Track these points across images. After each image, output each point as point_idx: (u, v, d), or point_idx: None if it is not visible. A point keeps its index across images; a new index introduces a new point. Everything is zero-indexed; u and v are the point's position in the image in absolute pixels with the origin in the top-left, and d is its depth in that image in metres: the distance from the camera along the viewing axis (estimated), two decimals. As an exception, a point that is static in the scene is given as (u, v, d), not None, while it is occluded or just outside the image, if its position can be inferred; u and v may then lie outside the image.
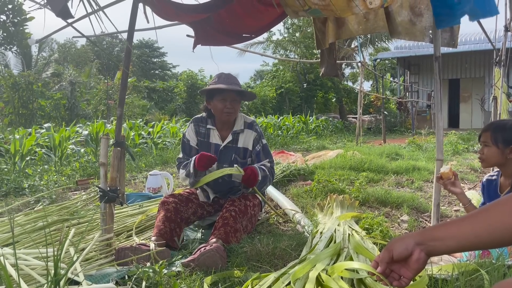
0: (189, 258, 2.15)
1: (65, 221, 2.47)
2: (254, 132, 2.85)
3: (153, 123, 11.22)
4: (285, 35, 20.60)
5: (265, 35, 19.23)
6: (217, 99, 2.74)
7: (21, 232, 2.23)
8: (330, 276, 1.71)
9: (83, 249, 2.02)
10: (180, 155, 2.91)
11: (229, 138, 2.82)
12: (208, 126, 2.86)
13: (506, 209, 0.92)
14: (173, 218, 2.57)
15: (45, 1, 2.33)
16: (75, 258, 1.69)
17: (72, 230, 2.12)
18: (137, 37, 40.09)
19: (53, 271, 1.35)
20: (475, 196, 3.55)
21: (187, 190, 2.89)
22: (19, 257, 1.69)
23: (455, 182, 2.20)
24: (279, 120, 14.62)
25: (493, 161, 2.09)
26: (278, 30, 20.53)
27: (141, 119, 13.07)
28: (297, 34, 20.22)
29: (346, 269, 1.69)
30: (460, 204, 3.69)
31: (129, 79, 16.68)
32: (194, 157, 2.66)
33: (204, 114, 2.93)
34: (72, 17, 2.31)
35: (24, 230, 2.24)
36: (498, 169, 2.23)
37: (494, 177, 2.25)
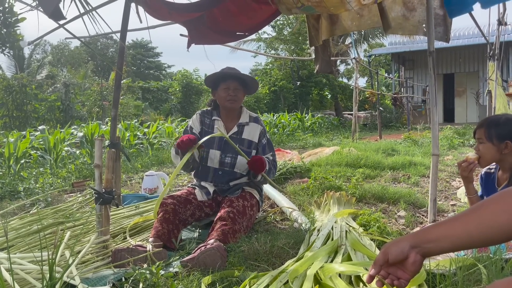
0: (189, 256, 2.14)
1: (60, 224, 2.45)
2: (260, 126, 2.97)
3: (148, 123, 11.19)
4: (273, 34, 20.58)
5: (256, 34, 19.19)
6: (222, 87, 2.86)
7: (16, 236, 2.21)
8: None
9: (79, 252, 2.01)
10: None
11: (234, 129, 2.91)
12: (214, 118, 2.95)
13: (497, 207, 0.92)
14: (171, 219, 2.56)
15: (37, 2, 2.31)
16: (70, 261, 1.67)
17: (68, 233, 2.11)
18: (131, 37, 39.94)
19: (48, 275, 1.34)
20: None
21: (185, 191, 2.88)
22: (14, 261, 1.67)
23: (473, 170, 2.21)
24: (274, 118, 14.61)
25: (489, 157, 2.08)
26: (265, 32, 20.57)
27: (136, 120, 13.02)
28: (285, 32, 20.21)
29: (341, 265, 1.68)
30: (459, 197, 3.71)
31: (123, 80, 16.54)
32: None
33: (209, 108, 3.04)
34: (64, 18, 2.29)
35: (19, 234, 2.22)
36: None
37: (492, 170, 2.26)
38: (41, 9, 2.24)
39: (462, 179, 2.29)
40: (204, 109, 3.06)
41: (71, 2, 2.27)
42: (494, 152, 2.05)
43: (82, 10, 2.31)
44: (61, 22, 2.36)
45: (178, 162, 2.67)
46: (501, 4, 5.80)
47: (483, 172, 2.32)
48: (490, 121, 2.10)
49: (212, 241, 2.30)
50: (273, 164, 2.93)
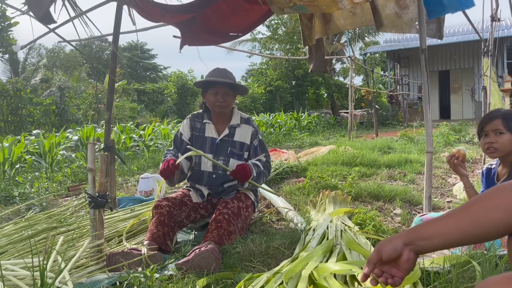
0: (184, 259, 2.13)
1: (54, 229, 2.44)
2: (252, 127, 2.89)
3: (144, 125, 11.16)
4: (267, 34, 20.61)
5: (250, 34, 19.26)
6: (210, 92, 2.79)
7: (8, 242, 2.19)
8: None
9: (72, 257, 1.99)
10: (171, 148, 2.96)
11: (226, 132, 2.84)
12: (204, 121, 2.89)
13: (490, 203, 0.91)
14: (167, 222, 2.55)
15: (27, 7, 2.30)
16: (63, 266, 1.66)
17: (61, 237, 2.09)
18: (127, 39, 39.81)
19: (39, 281, 1.33)
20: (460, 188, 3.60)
21: (180, 193, 2.87)
22: (6, 267, 1.66)
23: (462, 164, 2.21)
24: (271, 117, 14.60)
25: (508, 148, 2.03)
26: (259, 31, 20.70)
27: (132, 122, 12.98)
28: (280, 31, 20.25)
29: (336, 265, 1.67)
30: (455, 194, 3.72)
31: (119, 82, 16.39)
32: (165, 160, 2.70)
33: (200, 110, 2.97)
34: (55, 22, 2.27)
35: (11, 240, 2.20)
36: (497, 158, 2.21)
37: (493, 166, 2.26)
38: (31, 14, 2.22)
39: (458, 173, 2.30)
40: (195, 112, 3.00)
41: (62, 6, 2.25)
42: None
43: (73, 14, 2.29)
44: (52, 26, 2.35)
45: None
46: (493, 0, 5.81)
47: (484, 168, 2.32)
48: (504, 112, 2.07)
49: (206, 243, 2.30)
50: (265, 165, 2.86)
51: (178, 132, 2.95)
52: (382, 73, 21.38)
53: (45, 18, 2.24)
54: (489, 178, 2.25)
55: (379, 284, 1.11)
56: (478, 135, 2.16)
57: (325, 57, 4.35)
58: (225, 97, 2.78)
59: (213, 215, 2.56)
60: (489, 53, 6.42)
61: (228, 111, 2.86)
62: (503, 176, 2.14)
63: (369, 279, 1.11)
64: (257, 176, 2.75)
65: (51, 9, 2.22)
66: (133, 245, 2.49)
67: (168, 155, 2.84)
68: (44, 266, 1.28)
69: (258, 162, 2.81)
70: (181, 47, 3.43)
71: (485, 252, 1.74)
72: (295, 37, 19.45)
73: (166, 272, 2.11)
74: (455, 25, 17.88)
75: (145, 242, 2.42)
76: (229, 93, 2.80)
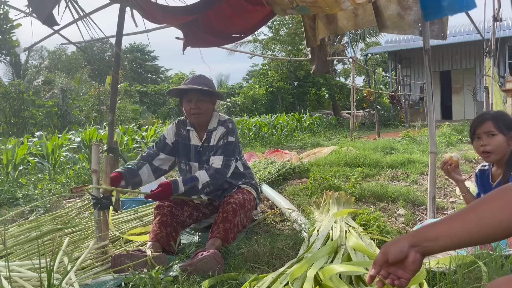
0: (187, 262, 2.14)
1: (59, 230, 2.44)
2: (224, 129, 2.75)
3: (146, 127, 11.17)
4: (269, 34, 20.61)
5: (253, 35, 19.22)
6: (184, 100, 2.73)
7: (15, 244, 2.20)
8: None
9: (78, 258, 2.00)
10: (151, 145, 2.90)
11: (204, 137, 2.79)
12: (188, 128, 2.85)
13: (495, 205, 0.92)
14: (169, 222, 2.56)
15: (30, 9, 2.31)
16: (69, 268, 1.66)
17: (66, 239, 2.10)
18: (129, 41, 39.89)
19: (46, 282, 1.33)
20: (471, 186, 3.58)
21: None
22: (13, 269, 1.66)
23: (457, 170, 2.22)
24: (272, 118, 14.59)
25: (502, 149, 2.03)
26: (262, 32, 20.64)
27: (134, 124, 12.99)
28: (282, 32, 20.24)
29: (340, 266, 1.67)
30: (458, 194, 3.71)
31: (121, 84, 16.33)
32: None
33: (183, 117, 2.92)
34: (58, 24, 2.28)
35: (17, 242, 2.21)
36: None
37: (486, 167, 2.27)
38: (35, 16, 2.24)
39: (453, 179, 2.30)
40: (181, 118, 2.92)
41: (65, 8, 2.26)
42: (506, 143, 2.03)
43: (76, 16, 2.30)
44: (55, 28, 2.36)
45: None
46: (495, 0, 5.82)
47: (477, 170, 2.32)
48: (493, 114, 2.09)
49: (211, 242, 2.31)
50: (214, 175, 2.58)
51: (162, 135, 2.89)
52: (383, 73, 21.35)
53: (48, 20, 2.25)
54: (483, 179, 2.26)
55: (385, 286, 1.11)
56: (471, 138, 2.17)
57: (327, 58, 4.35)
58: (199, 104, 2.68)
59: (221, 207, 2.58)
60: (491, 53, 6.43)
61: (205, 119, 2.76)
62: (497, 176, 2.15)
63: (375, 281, 1.11)
64: (191, 190, 2.53)
65: (54, 11, 2.23)
66: (137, 246, 2.50)
67: (147, 152, 2.82)
68: (51, 267, 1.29)
69: (201, 173, 2.58)
70: (183, 48, 3.43)
71: (491, 252, 1.73)
72: (296, 38, 19.44)
73: (171, 273, 2.11)
74: (456, 25, 17.87)
75: (149, 243, 2.42)
76: (203, 100, 2.70)
